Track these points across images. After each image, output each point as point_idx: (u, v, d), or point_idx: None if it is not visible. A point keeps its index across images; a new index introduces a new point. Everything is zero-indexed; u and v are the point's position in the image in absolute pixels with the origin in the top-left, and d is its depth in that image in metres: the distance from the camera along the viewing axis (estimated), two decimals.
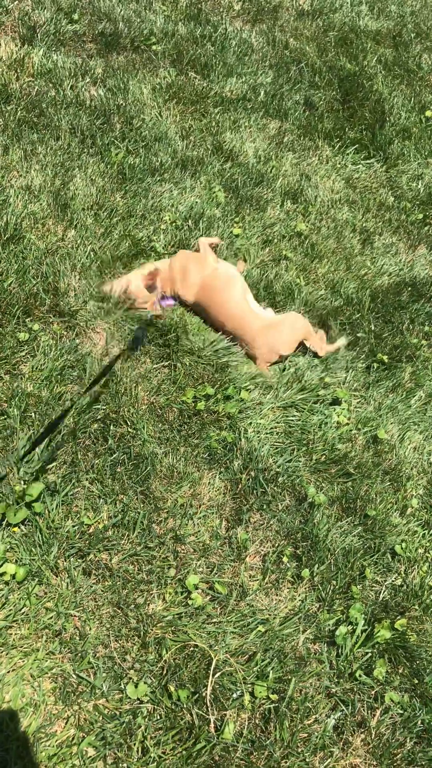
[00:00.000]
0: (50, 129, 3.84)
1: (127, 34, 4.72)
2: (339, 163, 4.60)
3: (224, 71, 4.78)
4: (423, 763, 2.19)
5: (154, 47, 4.72)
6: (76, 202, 3.49)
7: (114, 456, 2.64)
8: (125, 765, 1.99)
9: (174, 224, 3.62)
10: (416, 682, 2.37)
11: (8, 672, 2.08)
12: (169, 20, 4.99)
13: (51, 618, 2.21)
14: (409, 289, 3.95)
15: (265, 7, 5.58)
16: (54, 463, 2.56)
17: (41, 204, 3.42)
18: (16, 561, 2.29)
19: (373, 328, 3.56)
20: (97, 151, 3.85)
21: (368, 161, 4.72)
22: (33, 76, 4.11)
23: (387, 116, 4.98)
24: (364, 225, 4.24)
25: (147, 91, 4.36)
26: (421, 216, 4.46)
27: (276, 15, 5.57)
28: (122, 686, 2.13)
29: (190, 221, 3.65)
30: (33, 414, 2.65)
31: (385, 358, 3.43)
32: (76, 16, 4.69)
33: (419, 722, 2.26)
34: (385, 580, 2.63)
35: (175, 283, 3.26)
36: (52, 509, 2.43)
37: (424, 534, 2.83)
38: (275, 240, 3.84)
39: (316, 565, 2.56)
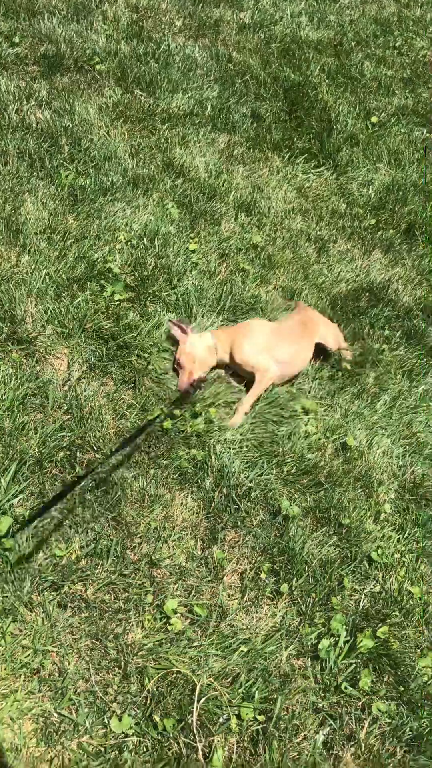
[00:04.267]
0: None
1: (69, 54, 4.70)
2: (290, 173, 4.63)
3: (170, 87, 4.78)
4: None
5: (97, 67, 4.71)
6: (28, 226, 3.44)
7: (82, 483, 2.59)
8: None
9: (129, 243, 3.59)
10: (402, 689, 2.36)
11: None
12: (111, 39, 4.98)
13: (28, 656, 2.15)
14: (367, 294, 3.98)
15: (206, 23, 5.61)
16: (21, 495, 2.49)
17: None
18: None
19: None
20: (46, 174, 3.80)
21: (318, 170, 4.76)
22: None
23: (334, 124, 5.03)
24: (318, 233, 4.27)
25: (93, 111, 4.34)
26: (373, 221, 4.50)
27: (218, 29, 5.60)
28: (106, 721, 2.08)
29: (145, 239, 3.63)
30: None
31: (348, 365, 3.45)
32: (16, 39, 4.66)
33: (408, 730, 2.25)
34: (364, 588, 2.62)
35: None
36: (22, 543, 2.36)
37: (399, 538, 2.83)
38: (232, 253, 3.83)
39: (295, 579, 2.54)
